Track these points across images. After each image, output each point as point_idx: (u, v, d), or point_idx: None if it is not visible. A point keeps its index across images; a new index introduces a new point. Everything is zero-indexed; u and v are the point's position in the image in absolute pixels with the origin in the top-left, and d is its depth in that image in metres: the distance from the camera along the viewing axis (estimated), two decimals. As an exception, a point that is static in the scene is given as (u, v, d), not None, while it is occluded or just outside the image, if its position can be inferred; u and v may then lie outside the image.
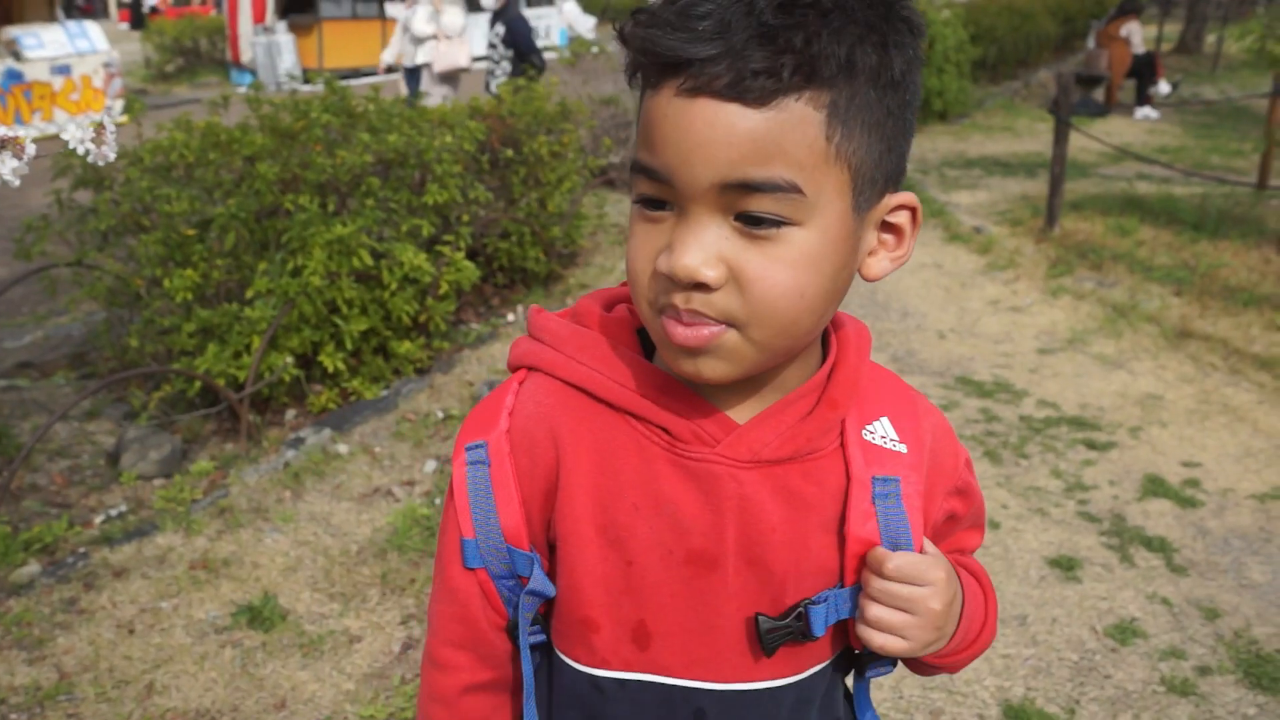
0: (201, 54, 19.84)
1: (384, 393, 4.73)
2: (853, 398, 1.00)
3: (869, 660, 1.06)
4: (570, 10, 23.61)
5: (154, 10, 29.86)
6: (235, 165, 4.78)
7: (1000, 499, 3.93)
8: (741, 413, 0.97)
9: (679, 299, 0.85)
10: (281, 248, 4.51)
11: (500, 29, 8.94)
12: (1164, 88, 14.42)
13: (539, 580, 0.99)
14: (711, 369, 0.88)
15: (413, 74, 10.16)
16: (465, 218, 5.40)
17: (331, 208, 4.75)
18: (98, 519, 3.78)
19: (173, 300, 4.37)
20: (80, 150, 1.41)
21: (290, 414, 4.59)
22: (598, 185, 7.76)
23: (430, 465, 4.13)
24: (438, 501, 3.83)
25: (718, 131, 0.81)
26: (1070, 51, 20.09)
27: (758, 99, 0.81)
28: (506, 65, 8.82)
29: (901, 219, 0.93)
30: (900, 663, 1.07)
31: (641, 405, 0.96)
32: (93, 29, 12.94)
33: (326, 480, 4.01)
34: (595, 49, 8.88)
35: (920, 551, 0.99)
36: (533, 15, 21.73)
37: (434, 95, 9.45)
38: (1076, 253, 6.91)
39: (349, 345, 4.49)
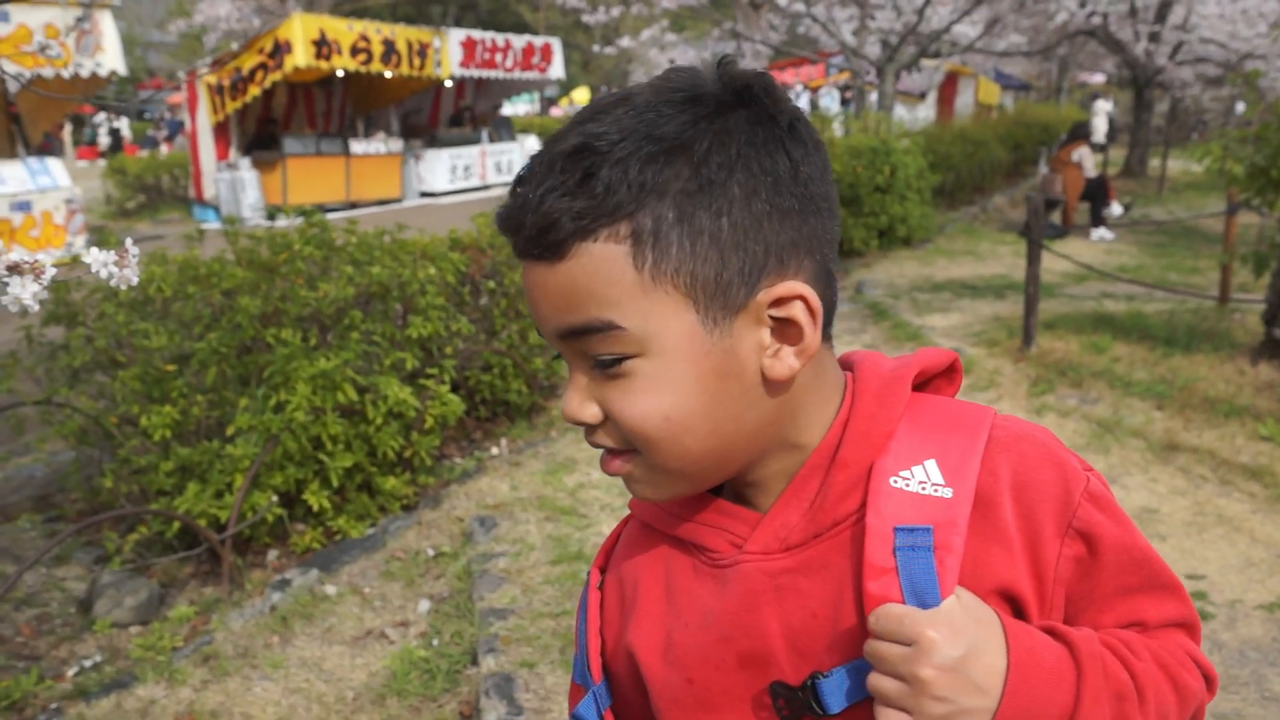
0: (163, 190, 19.85)
1: (370, 530, 4.57)
2: (869, 452, 0.91)
3: None
4: (532, 146, 24.13)
5: (116, 147, 30.00)
6: (214, 299, 4.70)
7: (1013, 623, 3.82)
8: (766, 496, 0.95)
9: (586, 436, 0.91)
10: (263, 383, 4.40)
11: None
12: (1117, 209, 14.80)
13: (587, 706, 1.02)
14: (641, 490, 0.92)
15: None
16: (449, 350, 5.34)
17: (314, 341, 4.66)
18: (70, 671, 3.57)
19: (149, 438, 4.23)
20: (104, 274, 1.36)
21: (273, 554, 4.41)
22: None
23: (424, 605, 3.96)
24: (435, 643, 3.66)
25: (537, 290, 0.87)
26: (1021, 177, 20.66)
27: (553, 255, 0.84)
28: None
29: (793, 311, 0.86)
30: None
31: (683, 529, 0.99)
32: (55, 165, 12.89)
33: (316, 623, 3.83)
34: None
35: None
36: (495, 150, 22.10)
37: None
38: (1055, 371, 6.93)
39: (334, 482, 4.35)
